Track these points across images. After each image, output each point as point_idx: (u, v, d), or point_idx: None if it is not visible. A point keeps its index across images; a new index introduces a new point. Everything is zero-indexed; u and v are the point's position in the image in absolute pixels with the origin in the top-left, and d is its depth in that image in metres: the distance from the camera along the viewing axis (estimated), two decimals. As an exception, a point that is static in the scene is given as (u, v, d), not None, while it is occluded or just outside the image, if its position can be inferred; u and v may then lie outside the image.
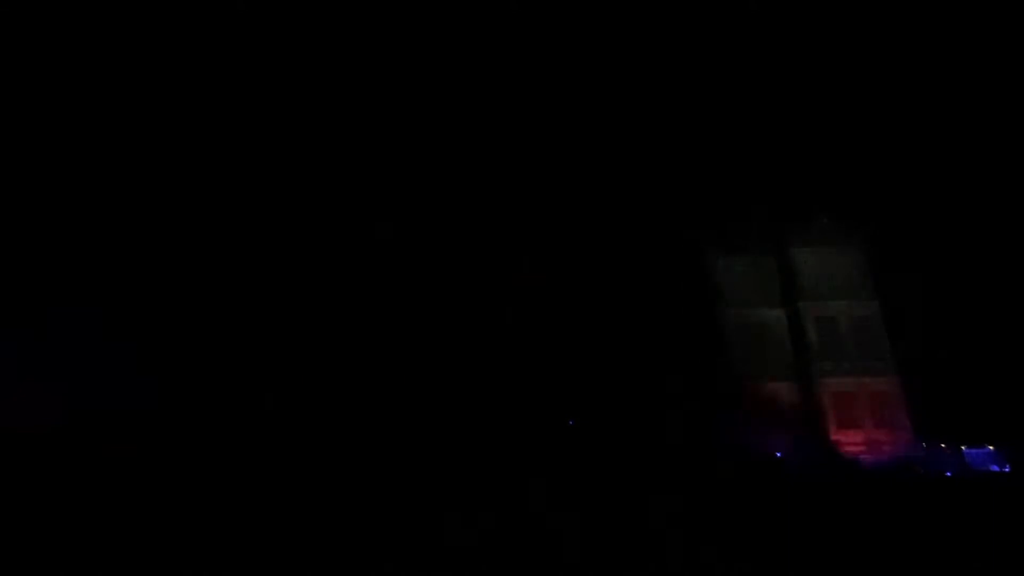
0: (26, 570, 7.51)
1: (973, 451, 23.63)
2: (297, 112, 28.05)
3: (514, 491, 12.81)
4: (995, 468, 22.91)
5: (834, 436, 24.91)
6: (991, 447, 23.73)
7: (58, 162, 24.19)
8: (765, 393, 26.48)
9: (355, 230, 27.24)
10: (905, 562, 7.33)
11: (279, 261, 26.82)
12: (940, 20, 26.24)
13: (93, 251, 24.45)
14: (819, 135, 28.62)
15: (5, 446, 19.30)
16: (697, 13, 28.41)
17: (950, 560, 7.36)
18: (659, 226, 28.22)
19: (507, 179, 27.77)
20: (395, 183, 27.02)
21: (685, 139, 29.34)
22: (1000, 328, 25.55)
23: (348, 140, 28.31)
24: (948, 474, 21.24)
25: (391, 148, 27.76)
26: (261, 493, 13.12)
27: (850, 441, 24.56)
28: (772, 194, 28.34)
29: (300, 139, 28.04)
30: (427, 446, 20.29)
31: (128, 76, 25.17)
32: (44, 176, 24.00)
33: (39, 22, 23.98)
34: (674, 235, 28.14)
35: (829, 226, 27.66)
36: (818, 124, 28.69)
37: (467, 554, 7.77)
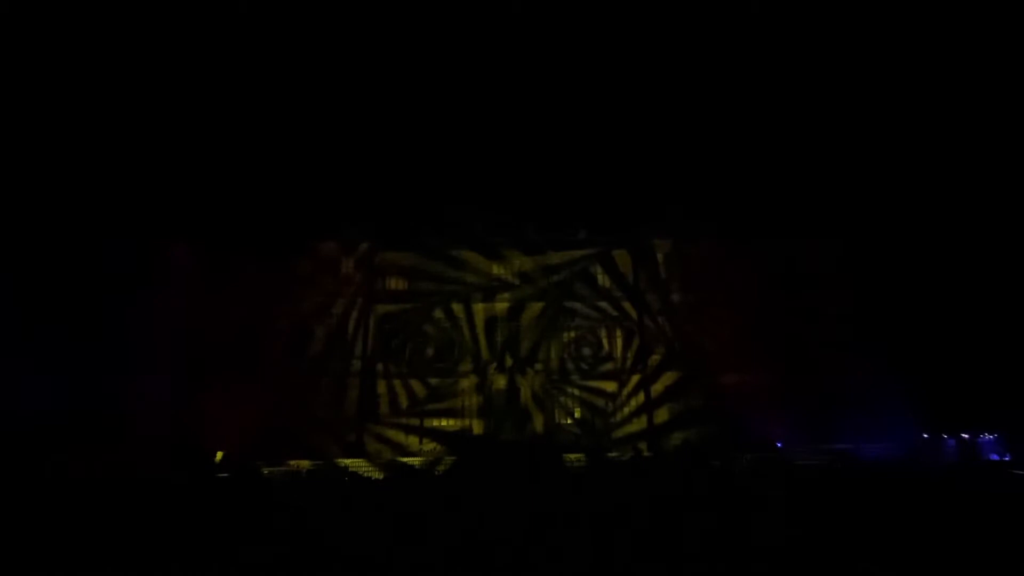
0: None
1: (973, 439, 23.61)
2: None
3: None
4: (995, 457, 22.90)
5: None
6: (992, 435, 23.71)
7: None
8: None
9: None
10: (905, 552, 7.29)
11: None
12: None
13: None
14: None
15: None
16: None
17: (951, 550, 7.31)
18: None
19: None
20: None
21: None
22: (999, 315, 25.53)
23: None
24: (947, 464, 21.21)
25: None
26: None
27: None
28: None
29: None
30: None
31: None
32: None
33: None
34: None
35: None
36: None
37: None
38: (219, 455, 22.69)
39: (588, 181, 28.38)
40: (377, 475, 19.90)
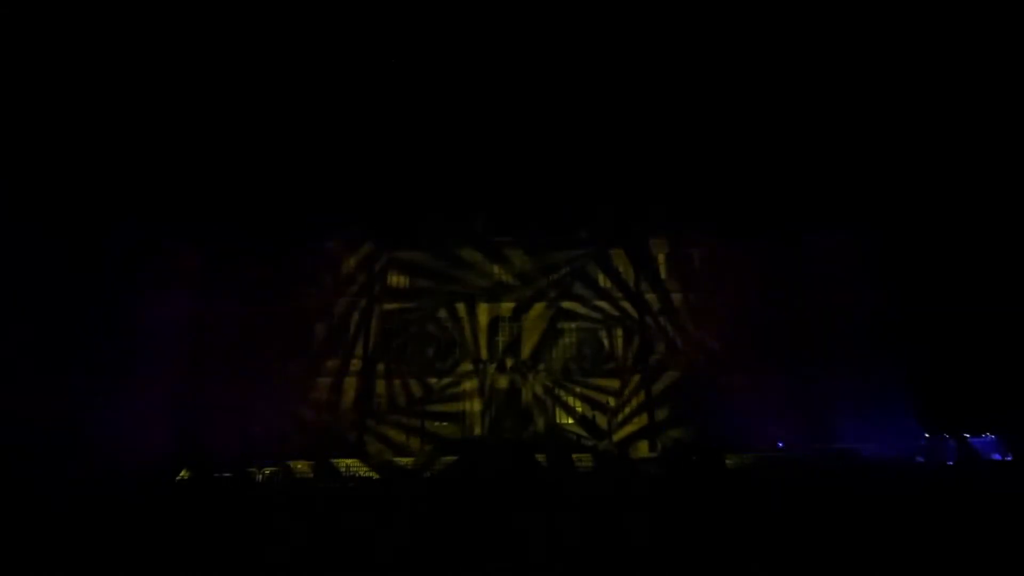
0: None
1: (975, 440, 23.58)
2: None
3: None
4: (997, 457, 22.87)
5: None
6: (992, 435, 23.68)
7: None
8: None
9: None
10: (906, 552, 7.29)
11: None
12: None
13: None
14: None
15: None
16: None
17: (951, 549, 7.32)
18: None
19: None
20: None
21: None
22: (998, 316, 25.52)
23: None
24: (950, 463, 21.18)
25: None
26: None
27: None
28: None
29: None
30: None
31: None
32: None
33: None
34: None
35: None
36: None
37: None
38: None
39: (589, 180, 28.49)
40: (375, 475, 19.89)
